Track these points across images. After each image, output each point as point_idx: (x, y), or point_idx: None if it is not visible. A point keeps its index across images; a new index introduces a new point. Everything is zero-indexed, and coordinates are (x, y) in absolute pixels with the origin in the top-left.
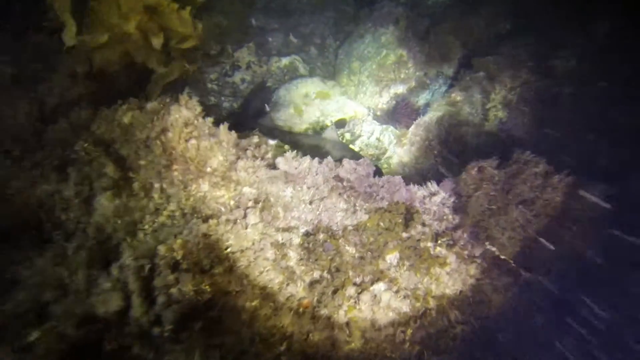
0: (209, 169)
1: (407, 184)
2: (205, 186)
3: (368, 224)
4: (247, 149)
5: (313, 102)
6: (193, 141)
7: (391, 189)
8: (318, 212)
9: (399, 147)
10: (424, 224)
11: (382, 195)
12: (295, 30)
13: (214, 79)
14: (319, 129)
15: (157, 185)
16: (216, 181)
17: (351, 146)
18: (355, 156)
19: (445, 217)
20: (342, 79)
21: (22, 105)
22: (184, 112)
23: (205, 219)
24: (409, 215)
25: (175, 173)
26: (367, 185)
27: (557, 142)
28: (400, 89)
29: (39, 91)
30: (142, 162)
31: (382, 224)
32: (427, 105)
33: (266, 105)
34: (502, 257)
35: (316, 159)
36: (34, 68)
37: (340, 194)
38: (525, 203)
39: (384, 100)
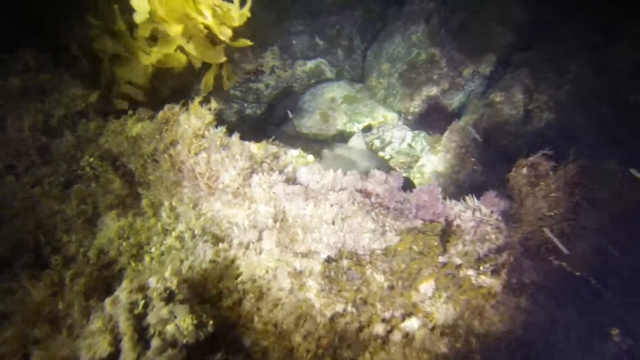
0: (220, 185)
1: (443, 197)
2: (216, 204)
3: (399, 248)
4: (263, 162)
5: (340, 107)
6: (203, 154)
7: (425, 203)
8: (342, 234)
9: (432, 155)
10: (464, 247)
11: (414, 212)
12: (321, 32)
13: (237, 85)
14: (346, 136)
15: (166, 203)
16: (228, 199)
17: (380, 154)
18: (384, 166)
19: (488, 238)
20: (370, 81)
21: (27, 117)
22: (194, 121)
23: (216, 242)
24: (445, 236)
25: (185, 190)
26: (398, 201)
27: (615, 144)
28: (433, 90)
29: (46, 101)
30: (150, 178)
31: (415, 247)
32: (463, 107)
33: (289, 112)
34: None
35: (339, 170)
36: (42, 78)
37: (367, 211)
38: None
39: (415, 104)
